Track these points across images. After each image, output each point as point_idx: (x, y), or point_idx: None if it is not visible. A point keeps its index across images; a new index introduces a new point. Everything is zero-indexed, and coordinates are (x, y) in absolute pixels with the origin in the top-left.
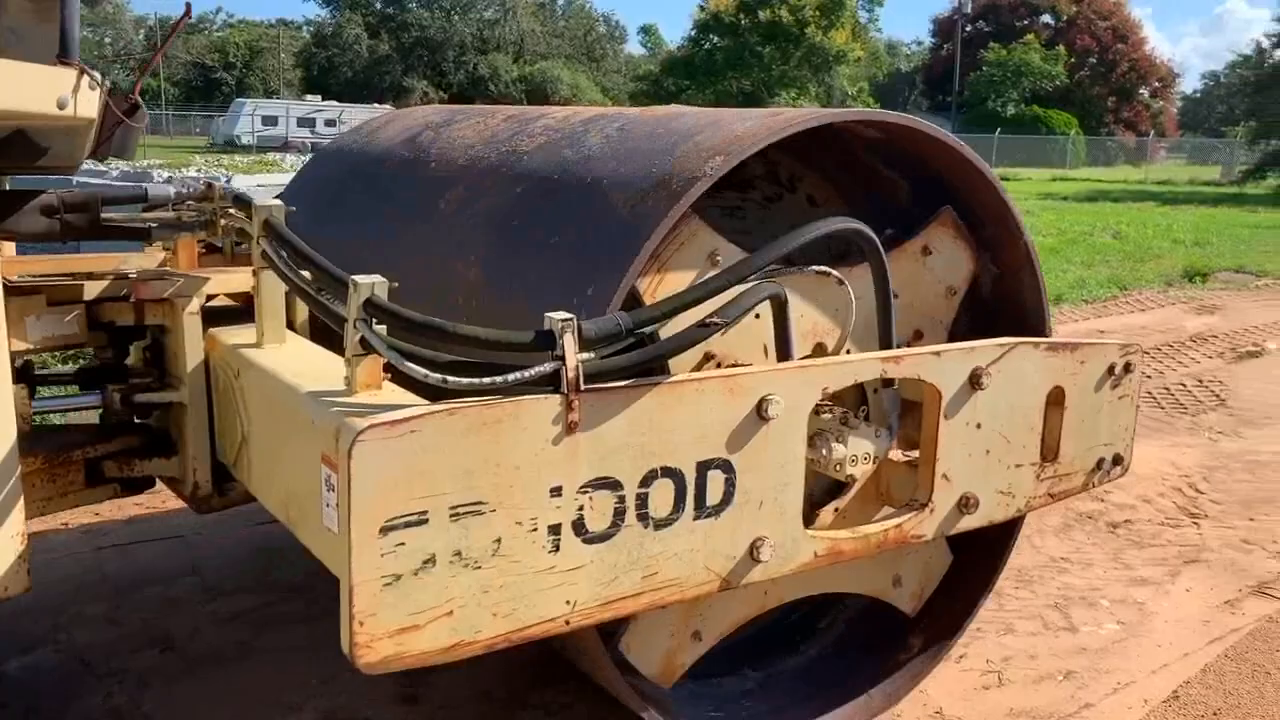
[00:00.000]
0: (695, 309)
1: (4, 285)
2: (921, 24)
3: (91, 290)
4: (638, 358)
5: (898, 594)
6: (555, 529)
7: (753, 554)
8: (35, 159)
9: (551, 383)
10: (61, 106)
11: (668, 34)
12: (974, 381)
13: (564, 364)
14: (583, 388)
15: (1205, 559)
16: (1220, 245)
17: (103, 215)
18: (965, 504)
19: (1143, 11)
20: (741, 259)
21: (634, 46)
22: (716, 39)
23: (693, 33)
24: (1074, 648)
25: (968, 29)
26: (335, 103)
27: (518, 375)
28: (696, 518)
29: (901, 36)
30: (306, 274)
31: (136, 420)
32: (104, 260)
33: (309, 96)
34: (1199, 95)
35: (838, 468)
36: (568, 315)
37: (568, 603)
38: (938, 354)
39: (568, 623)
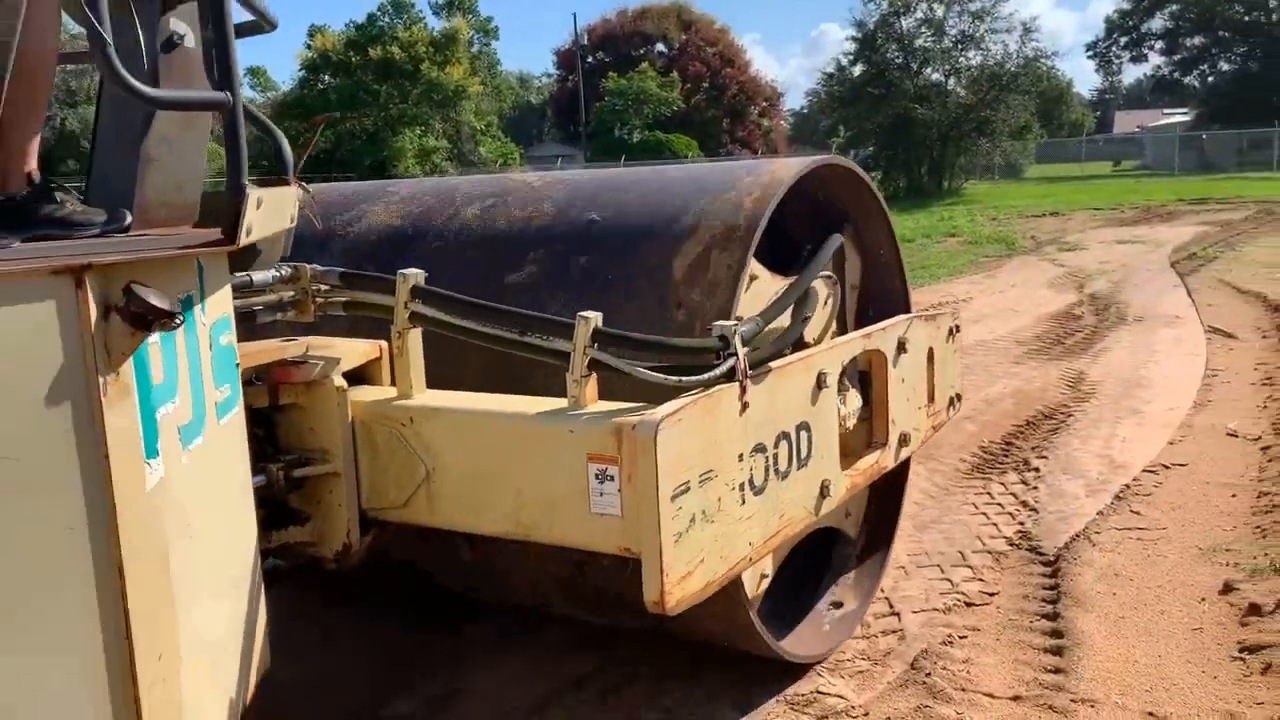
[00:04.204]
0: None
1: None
2: (545, 57)
3: None
4: (775, 349)
5: (848, 522)
6: (741, 486)
7: (823, 492)
8: (248, 265)
9: (730, 375)
10: (292, 221)
11: (277, 75)
12: (900, 347)
13: (737, 359)
14: (749, 375)
15: None
16: None
17: None
18: (903, 440)
19: (751, 37)
20: (803, 272)
21: (246, 91)
22: (329, 78)
23: (302, 73)
24: None
25: (588, 60)
26: None
27: (713, 373)
28: (798, 468)
29: (532, 69)
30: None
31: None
32: (255, 350)
33: None
34: (806, 111)
35: (844, 420)
36: (732, 321)
37: (749, 544)
38: (884, 329)
39: (750, 560)
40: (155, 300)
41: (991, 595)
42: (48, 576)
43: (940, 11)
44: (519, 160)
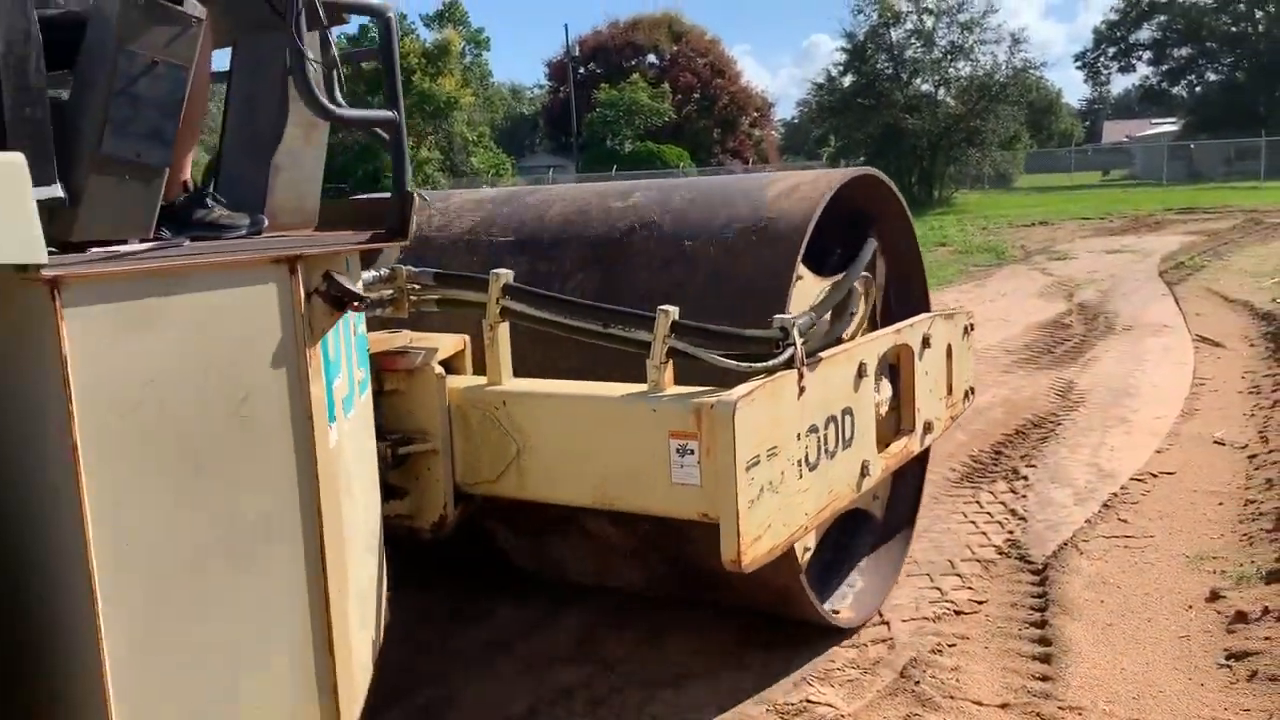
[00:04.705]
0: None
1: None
2: (537, 68)
3: None
4: (827, 340)
5: (875, 505)
6: (799, 462)
7: (863, 471)
8: (368, 266)
9: (789, 363)
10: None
11: None
12: (925, 342)
13: (796, 348)
14: (805, 363)
15: None
16: None
17: None
18: (928, 428)
19: (742, 48)
20: (847, 272)
21: None
22: None
23: None
24: None
25: (580, 71)
26: None
27: (776, 360)
28: (844, 448)
29: (524, 80)
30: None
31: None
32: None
33: None
34: (797, 121)
35: (878, 407)
36: (792, 315)
37: (805, 514)
38: (912, 325)
39: (805, 529)
40: (350, 285)
41: (980, 603)
42: (268, 515)
43: (930, 23)
44: (511, 171)
